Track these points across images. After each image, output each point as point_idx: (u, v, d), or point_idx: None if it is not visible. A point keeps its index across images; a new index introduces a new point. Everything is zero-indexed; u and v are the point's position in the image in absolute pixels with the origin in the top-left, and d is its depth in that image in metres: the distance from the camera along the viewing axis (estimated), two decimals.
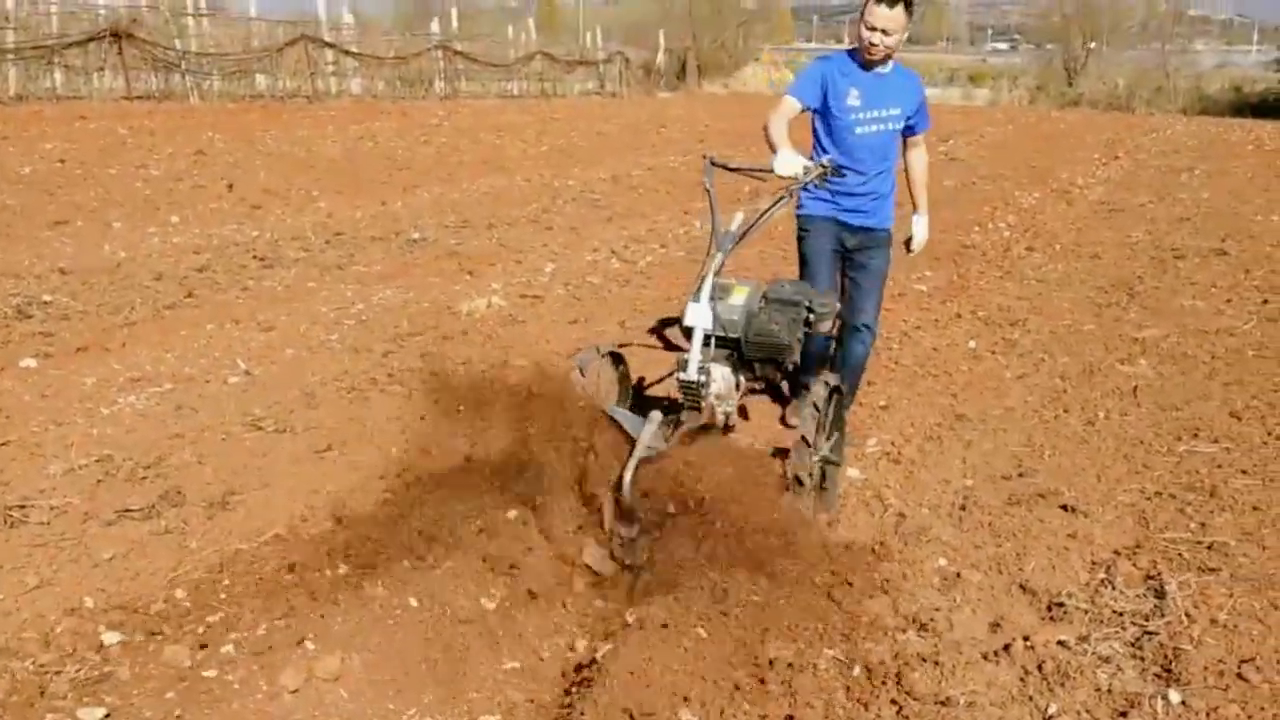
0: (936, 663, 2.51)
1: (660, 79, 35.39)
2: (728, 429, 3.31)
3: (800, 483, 2.94)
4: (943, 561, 3.15)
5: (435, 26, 27.30)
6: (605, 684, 2.34)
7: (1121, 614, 2.79)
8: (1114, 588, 2.93)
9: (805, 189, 3.63)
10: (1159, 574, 2.98)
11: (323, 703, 2.33)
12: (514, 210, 9.82)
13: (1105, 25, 40.82)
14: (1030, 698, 2.42)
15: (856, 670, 2.48)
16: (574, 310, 6.17)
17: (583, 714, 2.28)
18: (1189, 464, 3.92)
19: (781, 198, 3.47)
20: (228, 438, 3.96)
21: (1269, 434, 4.21)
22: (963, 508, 3.57)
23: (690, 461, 2.92)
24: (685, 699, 2.33)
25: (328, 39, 22.12)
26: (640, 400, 3.77)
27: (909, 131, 4.05)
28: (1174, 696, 2.37)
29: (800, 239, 4.12)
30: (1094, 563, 3.12)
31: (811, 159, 3.73)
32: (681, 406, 3.13)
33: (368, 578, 2.76)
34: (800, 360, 3.41)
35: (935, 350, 5.58)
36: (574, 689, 2.51)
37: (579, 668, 2.61)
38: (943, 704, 2.36)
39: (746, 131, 16.94)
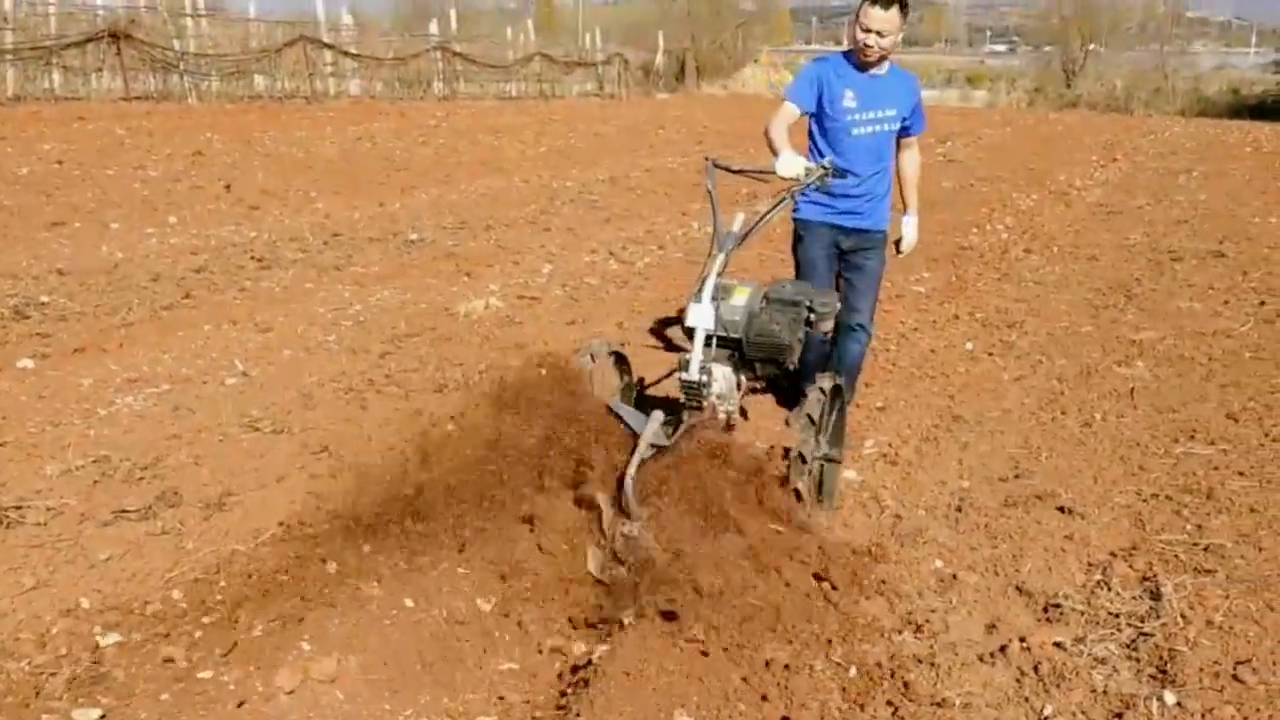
0: (933, 664, 2.52)
1: (659, 80, 35.43)
2: (729, 428, 3.32)
3: (799, 498, 2.94)
4: (939, 563, 3.15)
5: (434, 27, 27.34)
6: (601, 685, 2.34)
7: (1117, 615, 2.79)
8: (1110, 589, 2.94)
9: (804, 192, 3.65)
10: (1155, 575, 2.98)
11: (319, 704, 2.33)
12: (512, 211, 9.82)
13: (1104, 27, 40.92)
14: (1026, 699, 2.42)
15: (853, 672, 2.48)
16: (571, 311, 6.17)
17: (578, 715, 2.28)
18: (1186, 466, 3.93)
19: (783, 199, 3.49)
20: (225, 439, 3.95)
21: (1266, 436, 4.22)
22: (959, 509, 3.57)
23: (691, 460, 2.92)
24: (681, 701, 2.33)
25: (326, 40, 22.14)
26: (640, 400, 3.78)
27: (904, 133, 4.06)
28: (1169, 698, 2.37)
29: (795, 243, 4.14)
30: (1090, 564, 3.13)
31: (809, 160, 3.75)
32: (683, 406, 3.14)
33: (364, 579, 2.76)
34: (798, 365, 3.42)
35: (933, 352, 5.59)
36: (570, 690, 2.50)
37: (575, 669, 2.61)
38: (939, 705, 2.36)
39: (745, 133, 16.97)
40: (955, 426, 4.43)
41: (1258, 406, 4.59)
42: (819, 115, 3.96)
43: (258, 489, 3.51)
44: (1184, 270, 7.72)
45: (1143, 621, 2.74)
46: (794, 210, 4.06)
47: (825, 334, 3.67)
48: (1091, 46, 39.70)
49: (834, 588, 2.79)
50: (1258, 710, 2.33)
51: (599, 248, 8.15)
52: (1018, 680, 2.48)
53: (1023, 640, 2.63)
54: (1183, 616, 2.72)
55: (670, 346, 5.46)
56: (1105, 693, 2.43)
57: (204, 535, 3.18)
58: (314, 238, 8.07)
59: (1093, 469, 3.92)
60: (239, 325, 5.52)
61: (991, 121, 24.87)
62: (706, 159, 3.61)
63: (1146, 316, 6.32)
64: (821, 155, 3.93)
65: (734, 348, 3.28)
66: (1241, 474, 3.82)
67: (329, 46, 22.10)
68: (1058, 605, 2.85)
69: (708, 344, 3.13)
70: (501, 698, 2.52)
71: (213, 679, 2.35)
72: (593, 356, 3.26)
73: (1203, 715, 2.32)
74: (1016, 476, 3.86)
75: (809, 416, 3.08)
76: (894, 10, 3.69)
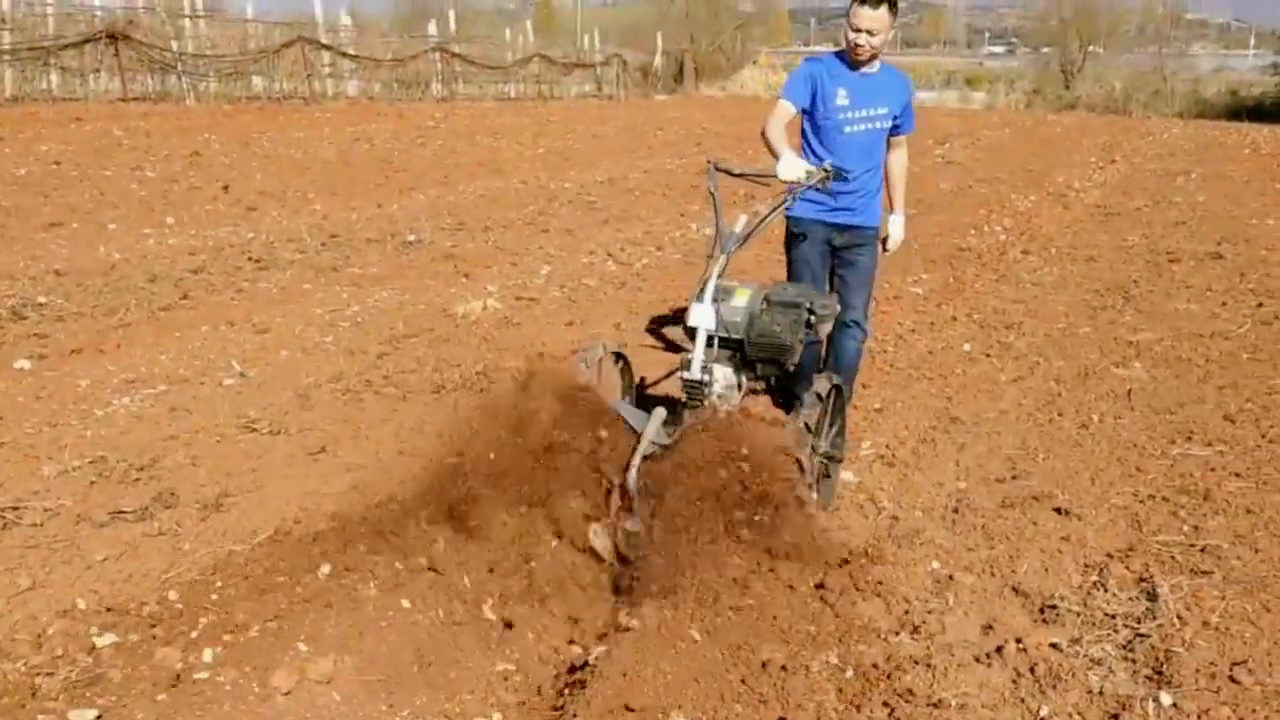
0: (929, 665, 2.52)
1: (657, 82, 35.45)
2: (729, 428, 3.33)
3: (802, 468, 2.93)
4: (936, 564, 3.16)
5: (432, 28, 27.34)
6: (598, 686, 2.35)
7: (1114, 616, 2.79)
8: (1106, 590, 2.94)
9: (804, 194, 3.66)
10: (1151, 576, 2.98)
11: (315, 704, 2.33)
12: (510, 212, 9.82)
13: (1102, 29, 40.97)
14: (1022, 700, 2.42)
15: (849, 673, 2.49)
16: (570, 312, 6.17)
17: (575, 716, 2.28)
18: (1182, 467, 3.93)
19: (784, 201, 3.51)
20: (222, 439, 3.95)
21: (1263, 437, 4.22)
22: (956, 510, 3.58)
23: (691, 459, 2.92)
24: (678, 702, 2.33)
25: (324, 41, 22.13)
26: (640, 400, 3.79)
27: (894, 131, 4.09)
28: (1165, 699, 2.38)
29: (789, 240, 4.15)
30: (1087, 565, 3.13)
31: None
32: (684, 405, 3.16)
33: (361, 580, 2.76)
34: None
35: (930, 353, 5.59)
36: (567, 691, 2.51)
37: (572, 669, 2.61)
38: (935, 706, 2.36)
39: (744, 134, 16.97)
40: (952, 428, 4.43)
41: (1255, 408, 4.59)
42: (812, 113, 4.00)
43: (255, 490, 3.51)
44: (1182, 272, 7.73)
45: (1139, 622, 2.74)
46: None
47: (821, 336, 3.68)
48: (1090, 48, 39.75)
49: (831, 588, 2.79)
50: (1254, 711, 2.33)
51: (597, 249, 8.15)
52: (1014, 681, 2.49)
53: (1019, 641, 2.63)
54: (1179, 617, 2.72)
55: (669, 347, 5.46)
56: (1101, 694, 2.43)
57: (201, 536, 3.18)
58: (312, 239, 8.06)
59: (1090, 470, 3.92)
60: (236, 326, 5.51)
61: (990, 123, 24.88)
62: (708, 162, 3.64)
63: (1144, 318, 6.32)
64: (815, 154, 3.97)
65: (735, 348, 3.31)
66: (1238, 475, 3.82)
67: (327, 47, 22.10)
68: (1054, 606, 2.85)
69: (709, 344, 3.16)
70: (498, 698, 2.52)
71: (209, 680, 2.35)
72: (586, 363, 3.26)
73: (1199, 716, 2.32)
74: (1013, 478, 3.87)
75: (805, 425, 3.09)
76: (883, 9, 3.73)
